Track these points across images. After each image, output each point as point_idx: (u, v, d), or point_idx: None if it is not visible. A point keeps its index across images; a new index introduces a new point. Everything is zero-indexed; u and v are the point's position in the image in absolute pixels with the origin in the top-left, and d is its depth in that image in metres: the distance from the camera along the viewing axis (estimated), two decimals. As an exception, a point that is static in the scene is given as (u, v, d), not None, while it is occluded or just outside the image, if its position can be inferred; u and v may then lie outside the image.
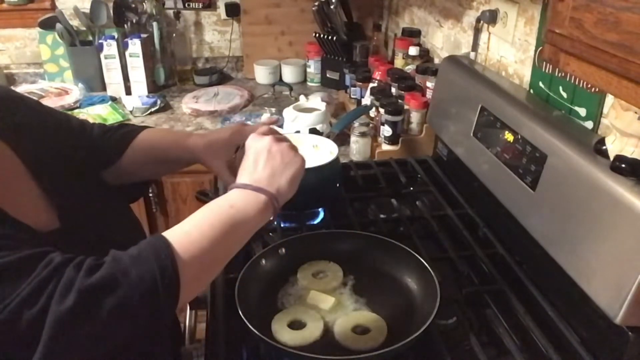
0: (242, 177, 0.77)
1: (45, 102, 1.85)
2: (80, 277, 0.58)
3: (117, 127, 1.01)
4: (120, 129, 1.00)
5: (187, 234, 0.67)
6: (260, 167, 0.78)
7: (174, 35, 2.32)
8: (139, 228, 0.96)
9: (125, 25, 2.22)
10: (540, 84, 1.19)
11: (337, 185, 1.30)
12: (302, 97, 1.92)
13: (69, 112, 1.97)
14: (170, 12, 2.33)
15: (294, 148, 0.82)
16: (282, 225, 1.23)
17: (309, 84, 2.39)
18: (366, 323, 0.90)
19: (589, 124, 1.04)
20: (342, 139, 1.63)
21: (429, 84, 1.61)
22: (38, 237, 0.68)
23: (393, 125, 1.56)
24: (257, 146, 0.80)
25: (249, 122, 1.87)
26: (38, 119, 0.86)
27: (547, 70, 1.16)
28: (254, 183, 0.75)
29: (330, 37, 2.15)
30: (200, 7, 2.36)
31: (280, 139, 0.83)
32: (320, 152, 1.32)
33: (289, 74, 2.38)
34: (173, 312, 0.64)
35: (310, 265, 1.03)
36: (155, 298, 0.60)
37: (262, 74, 2.37)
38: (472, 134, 1.25)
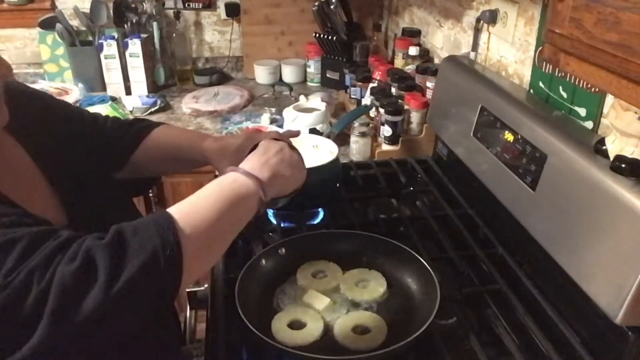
0: (243, 163, 0.80)
1: (45, 102, 1.84)
2: (85, 243, 0.59)
3: (132, 122, 1.01)
4: (135, 124, 1.00)
5: (191, 207, 0.68)
6: (263, 159, 0.80)
7: (174, 35, 2.32)
8: (135, 214, 0.97)
9: (125, 25, 2.22)
10: (540, 84, 1.19)
11: (337, 185, 1.30)
12: (302, 97, 1.92)
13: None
14: (170, 12, 2.33)
15: (302, 161, 0.86)
16: (282, 225, 1.23)
17: (309, 84, 2.39)
18: (366, 323, 0.90)
19: (589, 124, 1.04)
20: (342, 139, 1.63)
21: (429, 84, 1.61)
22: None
23: (393, 125, 1.56)
24: (270, 144, 0.84)
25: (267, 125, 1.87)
26: (50, 113, 0.87)
27: (547, 70, 1.16)
28: (249, 169, 0.77)
29: (330, 37, 2.15)
30: (200, 7, 2.36)
31: (294, 148, 0.87)
32: (320, 152, 1.32)
33: (289, 74, 2.38)
34: (177, 289, 0.62)
35: (310, 265, 1.03)
36: (156, 269, 0.60)
37: (262, 74, 2.37)
38: (472, 134, 1.25)
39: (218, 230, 0.69)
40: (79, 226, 0.76)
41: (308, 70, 2.38)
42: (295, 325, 0.89)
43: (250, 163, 0.80)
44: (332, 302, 0.95)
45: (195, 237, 0.64)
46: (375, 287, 0.98)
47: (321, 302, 0.94)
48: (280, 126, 1.78)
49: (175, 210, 0.66)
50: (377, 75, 1.83)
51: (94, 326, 0.58)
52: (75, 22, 2.22)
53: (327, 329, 0.90)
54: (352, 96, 1.94)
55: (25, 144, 0.78)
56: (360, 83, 1.87)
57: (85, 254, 0.58)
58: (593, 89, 1.02)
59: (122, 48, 2.15)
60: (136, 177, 1.02)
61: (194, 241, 0.64)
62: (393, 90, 1.68)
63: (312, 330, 0.88)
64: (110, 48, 2.14)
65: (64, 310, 0.56)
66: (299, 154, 0.88)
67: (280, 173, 0.81)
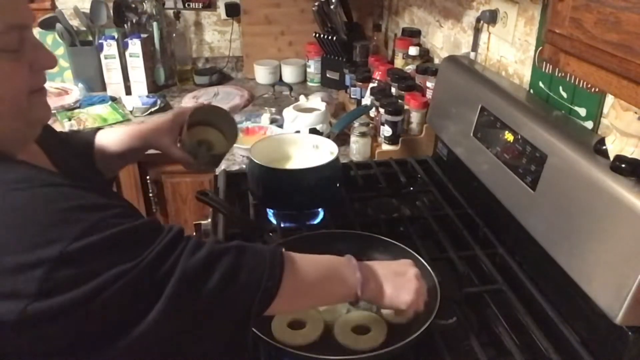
0: (376, 265, 0.85)
1: (45, 102, 1.84)
2: (210, 241, 0.67)
3: (71, 134, 1.06)
4: (75, 135, 1.04)
5: (303, 260, 0.76)
6: (382, 270, 0.85)
7: (174, 35, 2.32)
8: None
9: (125, 25, 2.22)
10: (540, 84, 1.19)
11: (337, 185, 1.30)
12: (302, 97, 1.92)
13: (69, 112, 1.98)
14: (170, 12, 2.33)
15: (424, 291, 0.88)
16: (282, 225, 1.23)
17: (309, 84, 2.39)
18: (366, 323, 0.90)
19: (589, 124, 1.04)
20: (342, 139, 1.63)
21: (429, 84, 1.60)
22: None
23: (393, 125, 1.56)
24: (405, 270, 0.87)
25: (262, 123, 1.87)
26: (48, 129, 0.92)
27: (547, 70, 1.16)
28: (368, 275, 0.82)
29: (330, 37, 2.15)
30: (200, 7, 2.36)
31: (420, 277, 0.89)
32: (320, 152, 1.32)
33: (289, 74, 2.38)
34: (259, 313, 0.69)
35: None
36: (254, 290, 0.67)
37: (262, 74, 2.37)
38: (472, 134, 1.25)
39: (310, 293, 0.78)
40: None
41: (308, 70, 2.38)
42: (295, 325, 0.89)
43: (374, 266, 0.85)
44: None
45: (295, 285, 0.73)
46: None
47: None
48: (280, 126, 1.78)
49: (293, 255, 0.75)
50: (377, 75, 1.83)
51: (199, 318, 0.64)
52: (75, 22, 2.22)
53: (327, 329, 0.90)
54: (352, 96, 1.94)
55: (47, 150, 0.82)
56: (360, 83, 1.87)
57: (209, 251, 0.65)
58: (593, 89, 1.02)
59: (122, 48, 2.15)
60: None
61: (292, 287, 0.72)
62: (393, 90, 1.68)
63: (312, 330, 0.88)
64: (110, 48, 2.14)
65: (181, 296, 0.61)
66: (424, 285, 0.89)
67: (389, 290, 0.84)
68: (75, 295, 0.56)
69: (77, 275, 0.56)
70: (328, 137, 1.41)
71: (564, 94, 1.11)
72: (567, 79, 1.09)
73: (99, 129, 1.06)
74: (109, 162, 1.03)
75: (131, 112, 2.03)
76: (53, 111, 1.84)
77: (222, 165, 1.54)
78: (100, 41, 2.14)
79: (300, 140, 1.36)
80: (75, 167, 0.87)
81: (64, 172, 0.81)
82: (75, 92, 2.12)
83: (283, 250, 0.74)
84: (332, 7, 2.09)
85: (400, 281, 0.84)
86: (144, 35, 2.18)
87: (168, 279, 0.60)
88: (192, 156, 1.02)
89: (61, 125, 1.89)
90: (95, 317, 0.57)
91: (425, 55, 1.86)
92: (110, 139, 1.02)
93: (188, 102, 2.10)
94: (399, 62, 1.89)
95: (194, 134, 1.03)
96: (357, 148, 1.60)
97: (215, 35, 2.45)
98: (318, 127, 1.64)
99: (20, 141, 0.70)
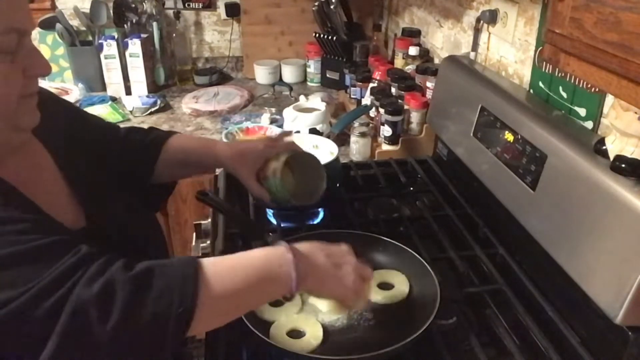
0: (313, 255, 0.77)
1: (45, 102, 1.84)
2: (110, 271, 0.59)
3: (149, 130, 1.06)
4: (152, 132, 1.05)
5: (225, 270, 0.67)
6: (321, 259, 0.77)
7: (174, 35, 2.31)
8: (159, 231, 0.98)
9: (125, 25, 2.22)
10: (540, 84, 1.19)
11: (337, 185, 1.30)
12: (302, 97, 1.92)
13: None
14: (170, 12, 2.33)
15: (363, 283, 0.82)
16: (282, 225, 1.24)
17: (309, 84, 2.39)
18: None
19: (589, 124, 1.04)
20: (342, 139, 1.63)
21: (429, 84, 1.60)
22: (66, 233, 0.69)
23: (393, 125, 1.56)
24: (349, 256, 0.81)
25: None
26: (75, 122, 0.91)
27: (547, 70, 1.16)
28: (306, 269, 0.73)
29: (330, 37, 2.15)
30: (200, 7, 2.36)
31: (363, 270, 0.83)
32: (320, 152, 1.32)
33: (289, 74, 2.38)
34: (177, 341, 0.62)
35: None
36: (165, 323, 0.60)
37: (262, 74, 2.37)
38: (472, 134, 1.25)
39: (238, 301, 0.69)
40: (96, 230, 0.78)
41: (308, 70, 2.38)
42: (294, 334, 0.89)
43: (313, 257, 0.77)
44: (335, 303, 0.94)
45: (215, 301, 0.65)
46: (399, 287, 0.97)
47: (325, 303, 0.94)
48: (280, 126, 1.78)
49: (209, 266, 0.65)
50: (377, 75, 1.83)
51: (96, 354, 0.57)
52: (75, 22, 2.22)
53: (327, 335, 0.89)
54: (352, 96, 1.94)
55: (50, 148, 0.81)
56: (360, 83, 1.87)
57: (107, 281, 0.58)
58: (593, 89, 1.02)
59: (122, 48, 2.15)
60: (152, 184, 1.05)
61: (212, 304, 0.64)
62: (393, 90, 1.68)
63: (312, 338, 0.88)
64: (110, 48, 2.14)
65: (75, 329, 0.55)
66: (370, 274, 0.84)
67: (328, 284, 0.78)
68: None
69: None
70: (328, 137, 1.41)
71: (564, 94, 1.11)
72: (567, 79, 1.09)
73: (173, 132, 1.06)
74: (172, 167, 1.02)
75: (131, 112, 2.03)
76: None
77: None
78: (100, 41, 2.14)
79: (300, 140, 1.36)
80: (89, 170, 0.85)
81: (69, 173, 0.81)
82: (75, 92, 2.11)
83: (198, 263, 0.65)
84: (332, 7, 2.08)
85: (339, 273, 0.78)
86: (144, 35, 2.18)
87: (59, 312, 0.55)
88: (270, 193, 0.97)
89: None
90: None
91: (425, 55, 1.86)
92: (183, 144, 1.02)
93: (188, 102, 2.09)
94: (399, 62, 1.89)
95: (280, 175, 0.96)
96: (357, 148, 1.60)
97: (215, 35, 2.45)
98: (318, 127, 1.64)
99: (3, 146, 0.69)
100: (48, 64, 0.71)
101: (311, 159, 1.03)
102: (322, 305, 0.93)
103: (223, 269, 0.67)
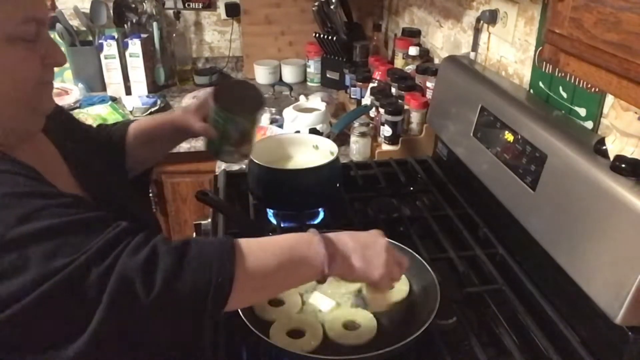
0: (342, 238, 0.79)
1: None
2: (154, 240, 0.62)
3: (110, 127, 1.11)
4: (113, 125, 1.12)
5: (259, 248, 0.70)
6: (349, 241, 0.79)
7: (174, 35, 2.32)
8: (155, 218, 1.05)
9: (125, 25, 2.22)
10: (540, 84, 1.19)
11: (337, 185, 1.30)
12: (302, 97, 1.92)
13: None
14: (170, 12, 2.33)
15: (394, 262, 0.84)
16: (282, 225, 1.24)
17: (309, 84, 2.39)
18: (356, 319, 0.90)
19: (589, 124, 1.04)
20: (342, 139, 1.63)
21: (429, 84, 1.60)
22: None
23: (393, 125, 1.56)
24: (374, 241, 0.83)
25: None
26: (74, 124, 0.97)
27: (547, 70, 1.16)
28: (334, 250, 0.76)
29: (330, 37, 2.15)
30: (200, 7, 2.36)
31: (396, 253, 0.86)
32: (320, 152, 1.32)
33: (289, 74, 2.38)
34: (217, 312, 0.64)
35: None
36: (205, 293, 0.62)
37: (262, 74, 2.37)
38: (472, 134, 1.25)
39: (271, 280, 0.71)
40: None
41: (308, 70, 2.38)
42: (295, 334, 0.89)
43: (341, 239, 0.79)
44: (337, 304, 0.94)
45: (250, 276, 0.67)
46: (399, 287, 0.97)
47: (327, 304, 0.94)
48: (280, 126, 1.78)
49: (244, 245, 0.68)
50: (377, 75, 1.84)
51: (141, 323, 0.59)
52: (75, 22, 2.22)
53: (327, 335, 0.89)
54: (352, 96, 1.94)
55: (59, 147, 0.83)
56: (360, 83, 1.87)
57: (151, 251, 0.61)
58: (593, 89, 1.02)
59: (122, 48, 2.15)
60: (141, 173, 1.11)
61: (247, 279, 0.66)
62: (393, 90, 1.68)
63: (312, 337, 0.87)
64: (110, 48, 2.14)
65: (122, 296, 0.57)
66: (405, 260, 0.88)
67: (359, 264, 0.79)
68: (13, 285, 0.55)
69: (15, 263, 0.55)
70: (328, 137, 1.41)
71: (564, 94, 1.11)
72: (567, 79, 1.09)
73: (132, 121, 1.11)
74: (139, 152, 1.06)
75: (131, 112, 2.03)
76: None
77: (222, 165, 1.55)
78: (100, 41, 2.14)
79: (300, 140, 1.37)
80: (89, 161, 0.88)
81: (75, 165, 0.83)
82: (75, 92, 2.11)
83: (234, 240, 0.68)
84: (332, 7, 2.09)
85: (369, 253, 0.80)
86: (144, 35, 2.18)
87: (107, 280, 0.57)
88: (214, 127, 1.01)
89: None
90: (31, 321, 0.55)
91: (425, 55, 1.86)
92: (141, 125, 1.08)
93: (188, 102, 2.09)
94: (399, 62, 1.89)
95: (220, 109, 1.01)
96: (357, 148, 1.60)
97: (215, 35, 2.45)
98: (318, 127, 1.65)
99: (21, 130, 0.72)
100: (64, 54, 0.73)
101: (239, 83, 1.09)
102: (323, 305, 0.93)
103: (256, 247, 0.70)
